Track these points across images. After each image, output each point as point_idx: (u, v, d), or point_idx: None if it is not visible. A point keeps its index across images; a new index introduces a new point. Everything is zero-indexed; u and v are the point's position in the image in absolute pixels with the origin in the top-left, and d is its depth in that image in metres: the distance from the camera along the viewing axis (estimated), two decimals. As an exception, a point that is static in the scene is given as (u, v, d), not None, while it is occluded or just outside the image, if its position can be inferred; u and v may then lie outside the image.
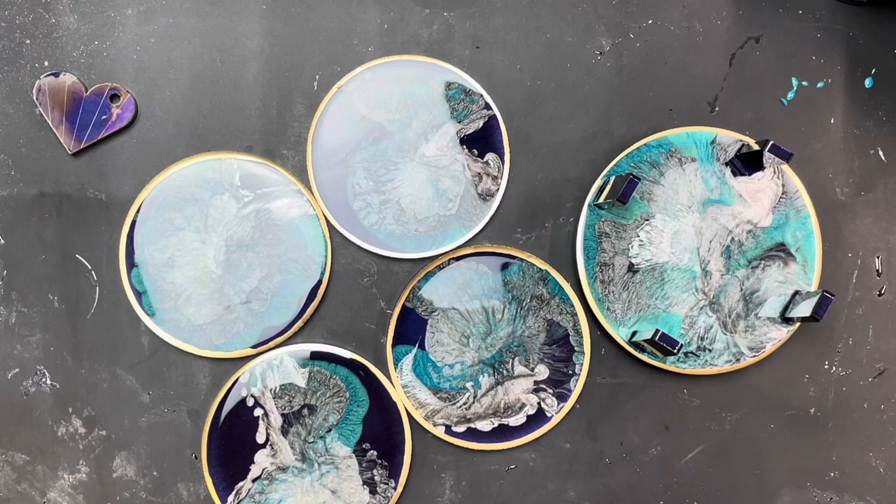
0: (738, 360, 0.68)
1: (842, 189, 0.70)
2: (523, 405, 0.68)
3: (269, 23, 0.69)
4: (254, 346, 0.67)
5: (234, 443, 0.67)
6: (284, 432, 0.67)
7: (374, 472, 0.67)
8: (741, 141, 0.68)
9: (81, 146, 0.68)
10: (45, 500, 0.68)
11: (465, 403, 0.68)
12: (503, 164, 0.69)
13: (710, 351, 0.68)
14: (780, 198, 0.68)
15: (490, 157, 0.69)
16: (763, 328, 0.68)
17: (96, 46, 0.69)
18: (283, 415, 0.67)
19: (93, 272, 0.68)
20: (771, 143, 0.64)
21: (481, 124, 0.69)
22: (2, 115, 0.68)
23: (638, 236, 0.68)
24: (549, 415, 0.68)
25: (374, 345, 0.69)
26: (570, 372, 0.68)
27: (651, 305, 0.68)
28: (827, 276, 0.69)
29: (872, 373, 0.70)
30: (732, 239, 0.68)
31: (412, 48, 0.70)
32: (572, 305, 0.68)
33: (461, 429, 0.68)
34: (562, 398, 0.68)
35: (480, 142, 0.69)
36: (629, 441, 0.69)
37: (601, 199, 0.67)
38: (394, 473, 0.67)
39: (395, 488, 0.67)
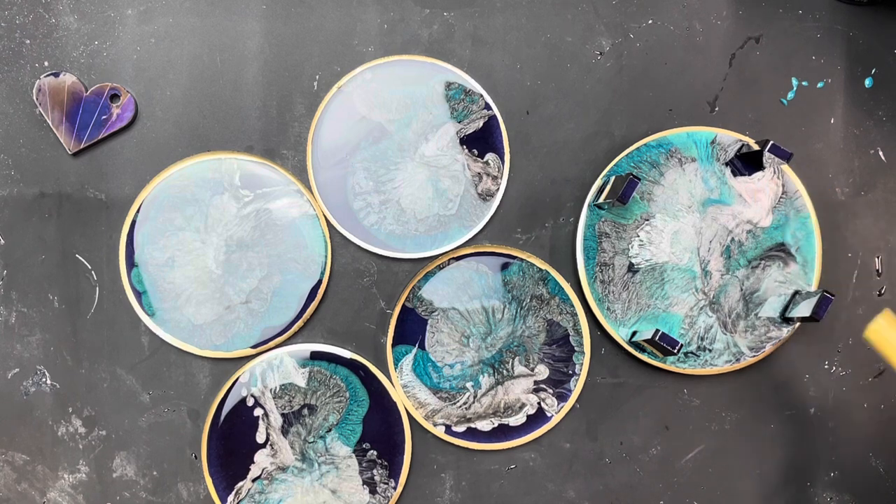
0: (738, 360, 0.68)
1: (842, 189, 0.70)
2: (523, 405, 0.68)
3: (269, 23, 0.69)
4: (254, 346, 0.67)
5: (234, 443, 0.67)
6: (284, 432, 0.67)
7: (374, 471, 0.67)
8: (741, 141, 0.68)
9: (81, 146, 0.68)
10: (45, 500, 0.68)
11: (465, 403, 0.68)
12: (503, 164, 0.69)
13: (710, 351, 0.68)
14: (780, 198, 0.68)
15: (490, 157, 0.69)
16: (763, 328, 0.68)
17: (96, 46, 0.69)
18: (283, 415, 0.67)
19: (93, 272, 0.68)
20: (771, 143, 0.64)
21: (481, 124, 0.69)
22: (2, 115, 0.68)
23: (638, 236, 0.68)
24: (549, 415, 0.68)
25: (374, 345, 0.69)
26: (570, 372, 0.68)
27: (651, 305, 0.68)
28: (827, 276, 0.69)
29: (872, 373, 0.70)
30: (732, 239, 0.68)
31: (412, 48, 0.69)
32: (572, 305, 0.68)
33: (461, 429, 0.68)
34: (562, 398, 0.68)
35: (480, 142, 0.69)
36: (629, 441, 0.69)
37: (601, 199, 0.67)
38: (394, 473, 0.67)
39: (395, 488, 0.67)
